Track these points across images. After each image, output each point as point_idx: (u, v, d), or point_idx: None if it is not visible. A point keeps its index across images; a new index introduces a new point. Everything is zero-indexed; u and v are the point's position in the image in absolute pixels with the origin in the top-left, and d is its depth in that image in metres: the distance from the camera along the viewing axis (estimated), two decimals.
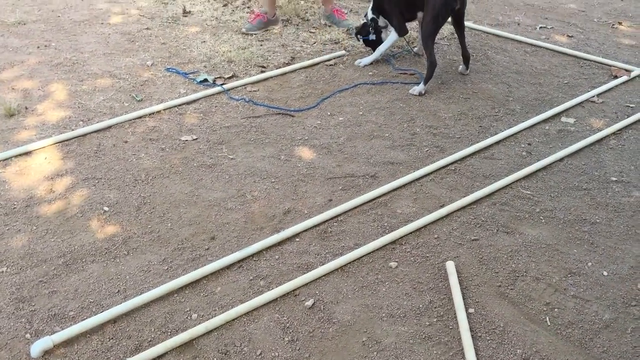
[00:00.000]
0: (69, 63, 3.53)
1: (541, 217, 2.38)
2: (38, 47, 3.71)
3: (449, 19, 3.36)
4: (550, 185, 2.58)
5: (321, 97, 3.25)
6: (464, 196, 2.48)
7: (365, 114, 3.12)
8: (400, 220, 2.36)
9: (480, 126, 3.03)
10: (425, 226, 2.31)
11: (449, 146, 2.85)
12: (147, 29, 4.04)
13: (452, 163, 2.72)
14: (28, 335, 1.83)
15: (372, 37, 3.61)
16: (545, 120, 3.07)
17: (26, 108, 3.05)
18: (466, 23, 4.12)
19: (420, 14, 3.41)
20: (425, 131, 2.97)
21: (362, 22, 3.72)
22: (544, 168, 2.68)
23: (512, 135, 2.95)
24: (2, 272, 2.07)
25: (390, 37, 3.55)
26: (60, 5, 4.37)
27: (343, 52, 3.77)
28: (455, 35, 3.53)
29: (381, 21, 3.59)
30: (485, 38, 4.04)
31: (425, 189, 2.55)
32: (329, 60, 3.67)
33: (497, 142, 2.89)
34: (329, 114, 3.11)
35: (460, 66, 3.53)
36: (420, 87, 3.29)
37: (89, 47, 3.75)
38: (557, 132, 2.98)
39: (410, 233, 2.28)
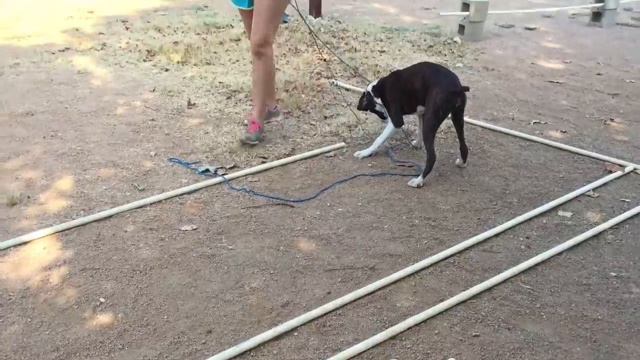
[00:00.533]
0: (74, 153, 3.61)
1: (542, 313, 2.36)
2: (44, 137, 3.80)
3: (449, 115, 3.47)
4: (550, 279, 2.57)
5: (321, 188, 3.30)
6: (464, 290, 2.46)
7: (364, 205, 3.15)
8: (399, 314, 2.33)
9: (478, 218, 3.05)
10: (425, 321, 2.29)
11: (447, 238, 2.86)
12: (152, 120, 4.16)
13: (451, 256, 2.72)
14: None
15: (378, 107, 3.75)
16: (542, 214, 3.10)
17: (28, 197, 3.08)
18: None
19: (420, 108, 3.53)
20: (424, 223, 2.99)
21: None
22: (543, 262, 2.68)
23: (510, 228, 2.97)
24: None
25: (387, 129, 3.66)
26: (69, 97, 4.51)
27: (343, 144, 3.86)
28: (453, 129, 3.63)
29: (378, 106, 3.72)
30: (481, 132, 4.15)
31: (424, 282, 2.54)
32: (328, 151, 3.76)
33: (496, 235, 2.90)
34: (328, 204, 3.15)
35: (458, 159, 3.60)
36: (418, 180, 3.35)
37: (94, 137, 3.84)
38: (555, 225, 3.00)
39: (410, 328, 2.25)
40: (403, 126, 3.71)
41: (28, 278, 2.47)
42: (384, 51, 6.08)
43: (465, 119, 4.18)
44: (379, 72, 5.32)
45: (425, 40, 6.59)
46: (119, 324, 2.24)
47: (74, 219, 2.89)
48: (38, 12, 7.26)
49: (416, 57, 5.86)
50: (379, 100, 3.72)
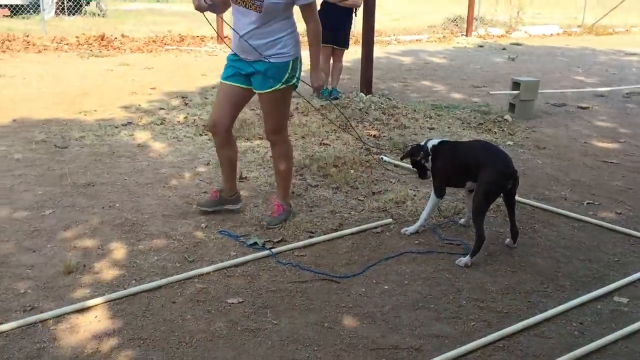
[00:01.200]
0: (129, 223, 3.74)
1: None
2: (103, 208, 3.97)
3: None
4: None
5: (367, 264, 3.30)
6: None
7: (410, 283, 3.13)
8: None
9: (528, 301, 2.97)
10: None
11: (496, 321, 2.79)
12: (205, 192, 4.29)
13: (500, 339, 2.64)
14: None
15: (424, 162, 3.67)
16: (597, 299, 3.00)
17: (84, 266, 3.19)
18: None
19: (469, 184, 3.53)
20: (472, 304, 2.94)
21: (413, 145, 3.82)
22: (598, 350, 2.57)
23: (562, 313, 2.87)
24: None
25: (430, 201, 3.65)
26: (128, 169, 4.72)
27: (390, 220, 3.87)
28: (503, 208, 3.59)
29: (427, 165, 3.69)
30: (532, 212, 4.09)
31: None
32: (375, 227, 3.77)
33: (547, 320, 2.81)
34: (374, 281, 3.14)
35: (508, 239, 3.55)
36: (466, 259, 3.31)
37: (149, 208, 3.98)
38: (610, 311, 2.89)
39: None
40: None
41: (78, 346, 2.53)
42: (433, 128, 6.15)
43: (517, 197, 4.15)
44: None
45: (475, 117, 6.64)
46: None
47: (125, 289, 2.97)
48: (104, 88, 7.72)
49: (465, 135, 5.90)
50: (422, 160, 3.68)
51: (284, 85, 3.48)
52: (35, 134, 5.54)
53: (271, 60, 3.40)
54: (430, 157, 3.64)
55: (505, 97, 7.10)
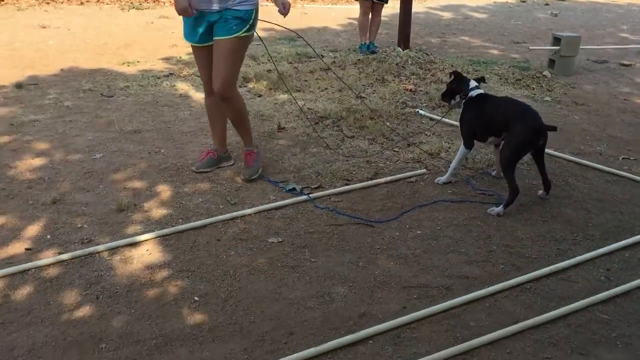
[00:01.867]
0: (175, 168, 3.93)
1: (618, 342, 2.36)
2: (149, 153, 4.17)
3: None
4: (629, 312, 2.57)
5: (401, 210, 3.43)
6: (539, 315, 2.51)
7: (442, 229, 3.25)
8: (472, 332, 2.41)
9: (558, 249, 3.07)
10: (497, 340, 2.35)
11: (525, 265, 2.91)
12: None
13: (527, 282, 2.76)
14: None
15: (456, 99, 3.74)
16: (625, 248, 3.08)
17: (134, 205, 3.40)
18: (547, 150, 4.28)
19: (491, 139, 3.60)
20: (502, 249, 3.05)
21: (464, 77, 3.78)
22: (623, 294, 2.67)
23: (590, 259, 2.97)
24: (102, 347, 2.28)
25: (460, 151, 3.73)
26: (172, 118, 4.90)
27: (424, 170, 3.98)
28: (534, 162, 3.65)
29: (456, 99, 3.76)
30: (566, 165, 4.14)
31: (499, 305, 2.60)
32: (410, 177, 3.88)
33: (575, 266, 2.92)
34: (407, 226, 3.27)
35: (540, 191, 3.63)
36: (499, 209, 3.40)
37: (193, 155, 4.16)
38: (638, 260, 2.98)
39: (482, 346, 2.32)
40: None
41: (133, 275, 2.75)
42: None
43: (551, 151, 4.22)
44: None
45: (513, 73, 6.61)
46: (210, 321, 2.45)
47: (173, 226, 3.17)
48: (145, 40, 7.89)
49: (503, 90, 5.90)
50: (457, 99, 3.73)
51: (245, 33, 3.43)
52: (82, 83, 5.75)
53: (236, 7, 3.36)
54: (464, 102, 3.69)
55: (545, 53, 7.02)
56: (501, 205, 3.43)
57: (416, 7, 8.64)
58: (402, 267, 2.88)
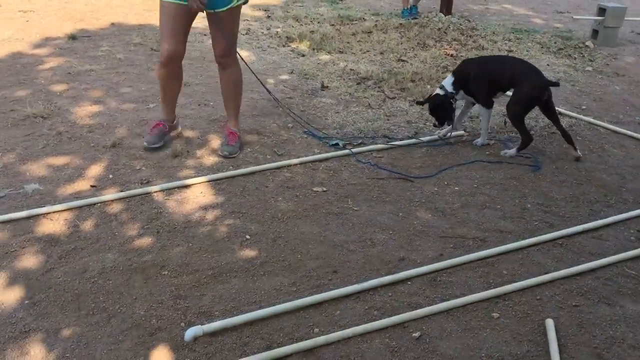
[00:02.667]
0: (223, 120, 4.12)
1: None
2: (199, 105, 4.36)
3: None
4: None
5: (440, 168, 3.58)
6: (569, 267, 2.65)
7: (479, 187, 3.39)
8: (505, 279, 2.57)
9: (590, 209, 3.19)
10: (529, 287, 2.51)
11: (557, 223, 3.04)
12: (290, 97, 4.61)
13: (559, 238, 2.90)
14: (182, 324, 2.23)
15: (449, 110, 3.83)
16: None
17: (187, 152, 3.61)
18: (586, 118, 4.35)
19: (499, 94, 3.83)
20: (536, 208, 3.19)
21: (435, 92, 3.86)
22: None
23: (622, 221, 3.09)
24: (164, 274, 2.51)
25: (484, 115, 3.85)
26: (217, 74, 5.07)
27: (462, 132, 4.10)
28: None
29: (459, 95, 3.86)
30: (604, 133, 4.21)
31: (531, 257, 2.75)
32: (449, 138, 4.01)
33: (607, 226, 3.04)
34: (445, 183, 3.42)
35: (572, 151, 3.75)
36: (512, 151, 3.72)
37: (240, 108, 4.33)
38: None
39: (514, 292, 2.48)
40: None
41: (189, 213, 2.97)
42: (511, 51, 6.18)
43: (589, 119, 4.29)
44: None
45: (555, 42, 6.60)
46: (261, 257, 2.66)
47: (224, 172, 3.38)
48: None
49: (544, 59, 5.92)
50: (459, 95, 3.84)
51: (240, 1, 3.37)
52: (132, 37, 5.96)
53: None
54: (454, 97, 3.81)
55: (589, 23, 6.97)
56: (514, 148, 3.71)
57: None
58: (439, 219, 3.04)
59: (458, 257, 2.70)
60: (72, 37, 5.80)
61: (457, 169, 3.59)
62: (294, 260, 2.65)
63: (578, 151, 3.74)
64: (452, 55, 5.89)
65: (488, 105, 3.82)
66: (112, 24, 6.48)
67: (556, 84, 3.70)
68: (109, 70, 4.96)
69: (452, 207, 3.16)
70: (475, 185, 3.41)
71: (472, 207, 3.18)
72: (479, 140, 3.93)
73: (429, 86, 4.95)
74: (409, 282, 2.53)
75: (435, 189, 3.35)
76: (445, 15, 7.44)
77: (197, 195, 3.14)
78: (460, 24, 7.16)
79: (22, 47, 5.45)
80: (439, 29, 6.84)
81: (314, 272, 2.58)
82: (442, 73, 5.33)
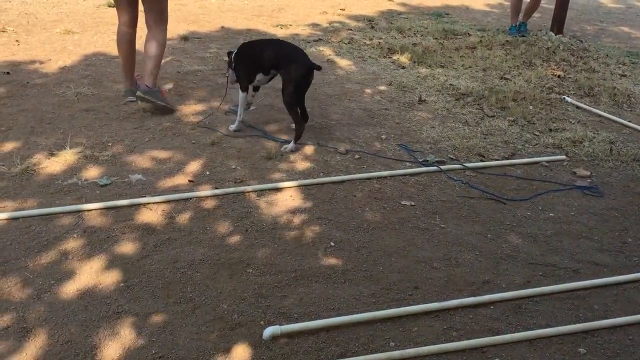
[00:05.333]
0: (318, 126, 4.20)
1: None
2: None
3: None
4: None
5: (535, 192, 3.45)
6: None
7: (576, 215, 3.24)
8: (596, 315, 2.44)
9: None
10: (621, 326, 2.37)
11: None
12: (386, 109, 4.62)
13: None
14: (262, 322, 2.29)
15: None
16: None
17: (282, 155, 3.70)
18: None
19: (259, 76, 3.87)
20: (638, 243, 3.00)
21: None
22: None
23: None
24: (249, 272, 2.59)
25: (241, 96, 3.93)
26: (318, 81, 5.16)
27: (564, 157, 3.93)
28: None
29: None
30: None
31: (628, 294, 2.60)
32: (548, 161, 3.86)
33: None
34: (540, 208, 3.29)
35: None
36: (290, 145, 3.77)
37: (335, 116, 4.40)
38: None
39: (605, 329, 2.36)
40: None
41: (277, 215, 3.05)
42: (625, 75, 5.87)
43: None
44: (615, 95, 5.20)
45: None
46: (343, 265, 2.69)
47: (315, 178, 3.44)
48: (297, 6, 8.24)
49: None
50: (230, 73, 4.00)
51: None
52: (239, 41, 6.16)
53: None
54: (233, 65, 3.95)
55: None
56: (292, 141, 3.78)
57: None
58: (530, 245, 2.94)
59: (547, 286, 2.60)
60: (184, 38, 6.12)
61: (554, 195, 3.45)
62: (375, 272, 2.66)
63: (291, 144, 3.77)
64: (559, 76, 5.67)
65: (243, 88, 3.91)
66: (222, 27, 6.77)
67: (319, 68, 3.72)
68: (214, 72, 5.19)
69: (545, 234, 3.05)
70: (573, 214, 3.26)
71: (567, 235, 3.04)
72: (232, 126, 3.99)
73: (531, 107, 4.79)
74: (492, 307, 2.47)
75: (529, 213, 3.24)
76: (555, 34, 7.17)
77: (286, 198, 3.22)
78: (571, 44, 6.87)
79: (139, 45, 5.79)
80: (547, 48, 6.60)
81: (394, 285, 2.57)
82: (547, 94, 5.15)
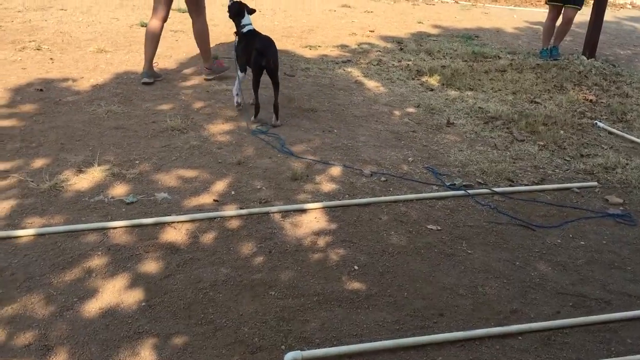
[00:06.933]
0: (345, 147, 4.18)
1: None
2: (323, 131, 4.46)
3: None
4: None
5: (566, 219, 3.37)
6: None
7: (609, 244, 3.15)
8: (629, 349, 2.35)
9: None
10: None
11: None
12: (413, 131, 4.58)
13: None
14: (283, 347, 2.26)
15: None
16: None
17: (307, 176, 3.69)
18: None
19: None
20: None
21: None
22: None
23: None
24: (271, 294, 2.56)
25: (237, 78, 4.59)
26: (345, 102, 5.17)
27: (595, 183, 3.84)
28: None
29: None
30: None
31: None
32: (579, 188, 3.77)
33: None
34: (570, 236, 3.21)
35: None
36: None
37: (362, 137, 4.38)
38: None
39: None
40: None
41: (301, 237, 3.02)
42: None
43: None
44: None
45: None
46: (367, 289, 2.64)
47: (340, 200, 3.41)
48: (327, 27, 8.29)
49: None
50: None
51: None
52: None
53: None
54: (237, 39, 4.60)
55: None
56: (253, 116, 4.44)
57: (607, 16, 8.12)
58: (560, 274, 2.86)
59: (577, 317, 2.52)
60: (215, 57, 6.18)
61: (586, 222, 3.37)
62: (400, 298, 2.60)
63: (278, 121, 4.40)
64: (591, 101, 5.57)
65: (241, 70, 4.54)
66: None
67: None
68: (243, 92, 5.21)
69: (576, 263, 2.96)
70: (604, 242, 3.17)
71: (598, 265, 2.95)
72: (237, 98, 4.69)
73: (562, 131, 4.71)
74: (520, 337, 2.39)
75: (559, 241, 3.16)
76: (587, 58, 7.07)
77: (311, 220, 3.20)
78: (604, 69, 6.76)
79: (169, 64, 5.89)
80: (579, 72, 6.51)
81: (419, 312, 2.52)
82: (579, 118, 5.06)
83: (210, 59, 5.42)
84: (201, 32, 5.23)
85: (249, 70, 4.51)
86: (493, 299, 2.63)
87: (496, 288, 2.71)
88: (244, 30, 4.55)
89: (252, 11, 4.65)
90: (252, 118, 4.47)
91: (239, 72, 4.55)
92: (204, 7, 5.23)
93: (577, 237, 3.21)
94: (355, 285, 2.67)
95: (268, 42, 4.38)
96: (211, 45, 5.63)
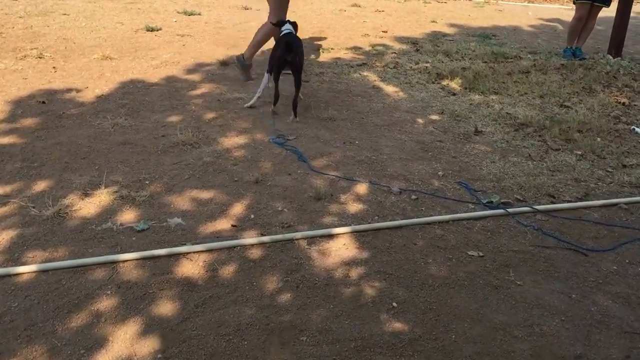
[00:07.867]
0: (369, 161, 3.88)
1: None
2: (344, 143, 4.16)
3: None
4: None
5: (619, 240, 3.07)
6: None
7: None
8: None
9: None
10: None
11: None
12: (440, 141, 4.28)
13: None
14: None
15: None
16: None
17: (331, 195, 3.39)
18: None
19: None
20: None
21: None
22: None
23: None
24: (302, 340, 2.27)
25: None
26: (365, 109, 4.87)
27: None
28: None
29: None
30: None
31: None
32: (626, 204, 3.47)
33: None
34: (627, 261, 2.91)
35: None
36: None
37: (387, 149, 4.08)
38: None
39: None
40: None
41: (331, 268, 2.72)
42: None
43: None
44: None
45: None
46: (409, 331, 2.34)
47: (369, 223, 3.11)
48: (338, 28, 7.99)
49: None
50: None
51: None
52: None
53: None
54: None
55: None
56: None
57: (633, 12, 7.80)
58: (622, 308, 2.55)
59: None
60: (224, 64, 5.89)
61: None
62: (448, 342, 2.31)
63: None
64: (624, 104, 5.26)
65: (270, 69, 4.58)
66: (262, 51, 6.53)
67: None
68: (267, 99, 4.92)
69: (637, 294, 2.66)
70: None
71: None
72: (249, 103, 4.68)
73: (599, 139, 4.40)
74: None
75: (615, 267, 2.86)
76: (614, 58, 6.75)
77: (340, 247, 2.90)
78: (632, 68, 6.45)
79: (177, 71, 5.60)
80: (606, 73, 6.19)
81: (471, 359, 2.22)
82: (614, 124, 4.75)
83: (251, 55, 5.36)
84: (264, 33, 5.28)
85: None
86: (553, 342, 2.33)
87: (554, 327, 2.41)
88: (282, 32, 4.67)
89: (294, 24, 4.84)
90: (272, 107, 4.57)
91: (266, 73, 4.67)
92: (273, 8, 5.22)
93: (634, 262, 2.90)
94: (396, 326, 2.38)
95: (297, 40, 4.56)
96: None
